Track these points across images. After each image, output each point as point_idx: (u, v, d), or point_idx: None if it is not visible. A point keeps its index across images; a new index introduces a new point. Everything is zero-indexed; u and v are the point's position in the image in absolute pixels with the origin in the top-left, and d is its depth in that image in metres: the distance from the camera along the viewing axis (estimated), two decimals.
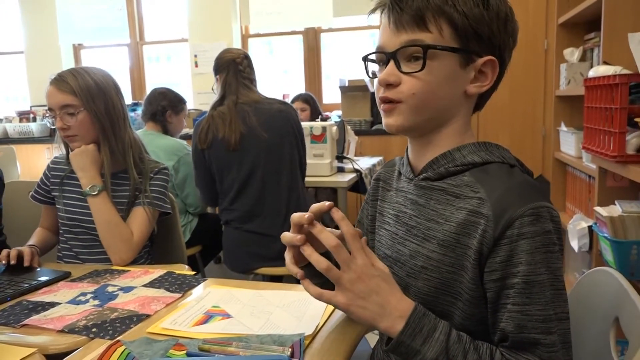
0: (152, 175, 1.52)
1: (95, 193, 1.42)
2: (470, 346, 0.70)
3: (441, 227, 0.77)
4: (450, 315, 0.76)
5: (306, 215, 0.76)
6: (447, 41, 0.75)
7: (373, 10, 0.82)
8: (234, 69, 2.07)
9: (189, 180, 2.40)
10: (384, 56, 0.78)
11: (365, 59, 0.84)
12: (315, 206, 0.78)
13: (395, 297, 0.72)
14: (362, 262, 0.71)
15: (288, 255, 0.81)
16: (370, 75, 0.84)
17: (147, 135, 2.44)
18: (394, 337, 0.70)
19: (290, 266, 0.80)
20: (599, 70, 1.76)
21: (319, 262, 0.71)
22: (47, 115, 1.48)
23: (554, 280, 0.70)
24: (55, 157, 1.58)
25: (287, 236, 0.79)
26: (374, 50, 0.82)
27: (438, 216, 0.78)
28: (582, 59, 2.40)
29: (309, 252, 0.73)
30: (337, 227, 0.76)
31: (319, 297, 0.73)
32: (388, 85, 0.77)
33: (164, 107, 2.52)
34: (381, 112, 0.81)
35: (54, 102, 1.42)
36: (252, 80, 2.12)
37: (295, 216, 0.78)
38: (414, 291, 0.79)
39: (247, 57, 2.11)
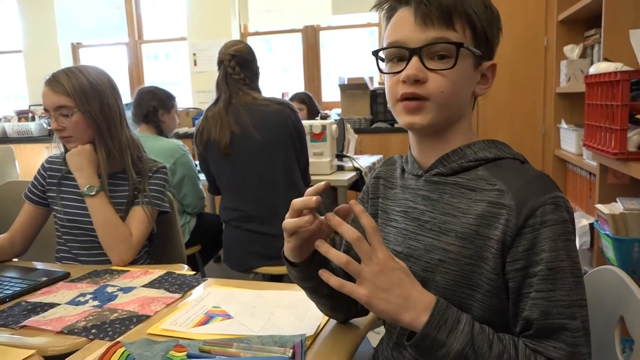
0: (150, 174, 1.51)
1: (93, 193, 1.41)
2: (494, 337, 0.70)
3: (459, 220, 0.77)
4: (469, 308, 0.76)
5: (313, 198, 0.74)
6: (469, 42, 0.77)
7: (389, 3, 0.80)
8: (223, 71, 2.04)
9: (186, 180, 2.40)
10: (406, 52, 0.77)
11: (377, 53, 0.82)
12: (310, 190, 0.76)
13: (416, 290, 0.71)
14: (383, 255, 0.70)
15: (290, 244, 0.80)
16: (381, 69, 0.83)
17: (141, 138, 2.41)
18: (418, 330, 0.69)
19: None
20: (600, 67, 1.75)
21: (339, 257, 0.70)
22: (43, 115, 1.45)
23: (574, 267, 0.71)
24: (50, 157, 1.56)
25: (291, 222, 0.76)
26: (383, 45, 0.81)
27: (454, 209, 0.78)
28: (583, 55, 2.39)
29: (325, 249, 0.71)
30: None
31: (340, 288, 0.70)
32: (415, 81, 0.76)
33: (155, 107, 2.46)
34: (400, 109, 0.79)
35: (48, 103, 1.41)
36: (245, 79, 2.03)
37: (298, 201, 0.76)
38: (431, 285, 0.78)
39: (235, 56, 2.02)
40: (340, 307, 0.92)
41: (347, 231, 0.70)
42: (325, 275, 0.71)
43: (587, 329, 0.71)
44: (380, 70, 0.83)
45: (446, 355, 0.68)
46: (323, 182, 0.77)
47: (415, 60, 0.76)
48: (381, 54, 0.82)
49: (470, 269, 0.76)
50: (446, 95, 0.76)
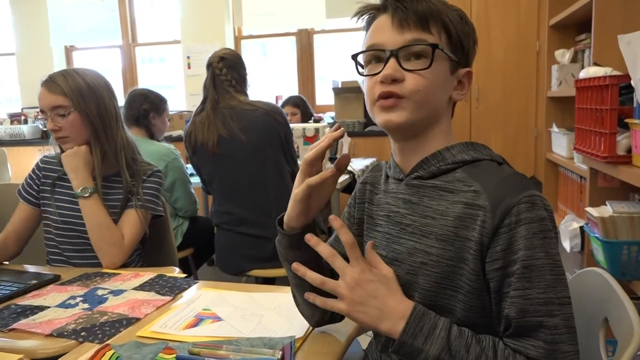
0: (145, 177, 1.51)
1: (87, 195, 1.41)
2: (472, 340, 0.71)
3: (438, 222, 0.78)
4: (452, 309, 0.77)
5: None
6: (445, 46, 0.79)
7: (369, 12, 0.83)
8: (211, 73, 2.05)
9: (178, 184, 2.39)
10: (383, 53, 0.79)
11: (355, 57, 0.84)
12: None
13: (394, 299, 0.74)
14: (358, 269, 0.74)
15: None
16: (360, 72, 0.85)
17: None
18: (396, 338, 0.72)
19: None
20: (590, 71, 1.77)
21: (314, 279, 0.77)
22: (40, 117, 1.46)
23: (554, 265, 0.71)
24: (45, 157, 1.55)
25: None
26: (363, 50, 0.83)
27: (433, 212, 0.80)
28: (573, 60, 2.41)
29: (303, 271, 0.78)
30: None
31: (324, 306, 0.77)
32: (393, 80, 0.78)
33: (146, 110, 2.44)
34: (377, 109, 0.81)
35: (45, 103, 1.41)
36: (231, 81, 2.04)
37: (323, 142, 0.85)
38: (415, 288, 0.80)
39: (224, 59, 2.04)
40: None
41: (323, 250, 0.77)
42: (311, 297, 0.78)
43: (571, 326, 0.71)
44: (360, 73, 0.85)
45: None
46: (341, 129, 0.82)
47: (392, 61, 0.78)
48: (361, 59, 0.84)
49: (451, 270, 0.77)
50: (422, 94, 0.78)
